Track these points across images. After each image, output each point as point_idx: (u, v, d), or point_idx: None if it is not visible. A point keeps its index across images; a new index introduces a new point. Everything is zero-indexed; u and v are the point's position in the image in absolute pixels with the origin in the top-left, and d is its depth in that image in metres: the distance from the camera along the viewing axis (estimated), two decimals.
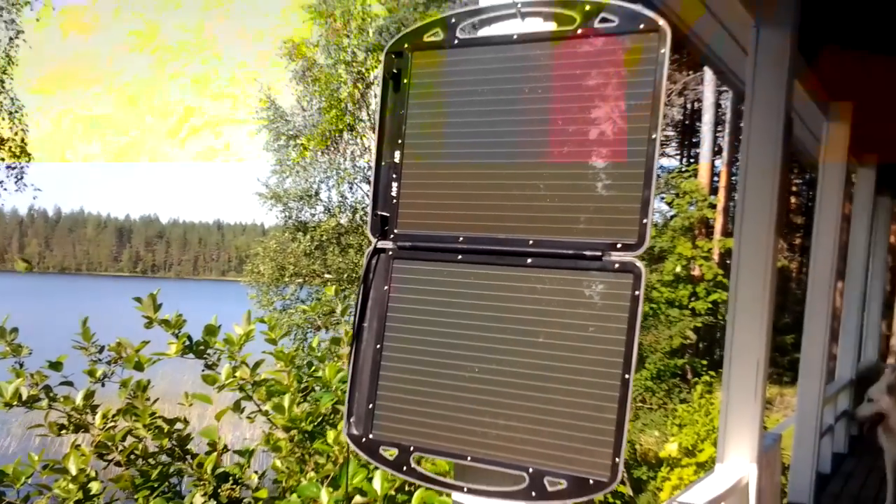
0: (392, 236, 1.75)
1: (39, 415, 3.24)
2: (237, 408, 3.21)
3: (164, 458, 3.19)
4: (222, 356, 3.26)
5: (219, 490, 2.91)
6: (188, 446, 3.24)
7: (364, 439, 1.69)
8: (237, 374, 3.15)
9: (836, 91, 5.39)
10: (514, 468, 1.51)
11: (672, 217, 22.46)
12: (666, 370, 20.44)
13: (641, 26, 1.51)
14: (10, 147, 24.95)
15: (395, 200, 1.76)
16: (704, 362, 23.09)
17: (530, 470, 1.48)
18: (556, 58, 1.60)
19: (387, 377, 1.69)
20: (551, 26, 1.62)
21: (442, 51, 1.74)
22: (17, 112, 24.89)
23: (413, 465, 1.62)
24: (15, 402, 3.14)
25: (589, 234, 1.51)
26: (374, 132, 21.83)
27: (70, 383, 3.29)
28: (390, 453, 1.65)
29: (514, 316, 1.56)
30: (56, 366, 3.27)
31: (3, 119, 24.47)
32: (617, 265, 1.47)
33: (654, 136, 1.47)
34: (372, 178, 1.81)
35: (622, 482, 12.84)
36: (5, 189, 25.94)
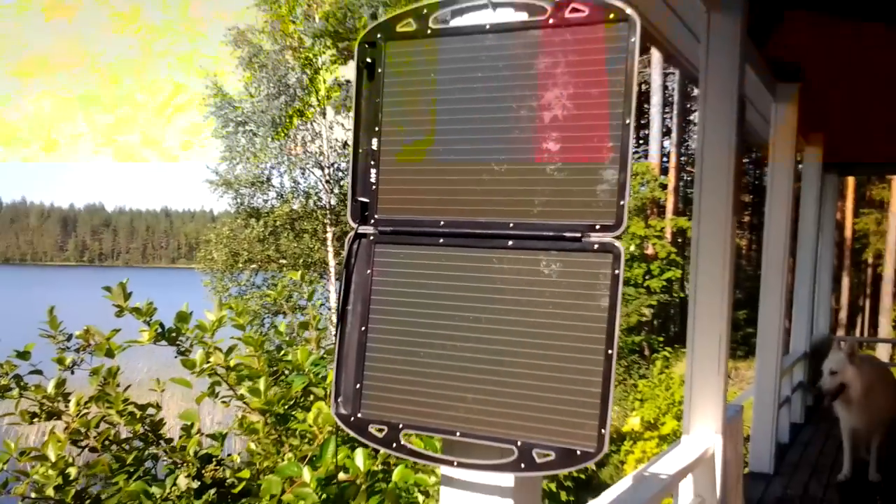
0: (373, 221, 1.78)
1: (9, 404, 3.22)
2: (212, 392, 3.24)
3: (137, 443, 3.21)
4: (195, 343, 3.28)
5: (202, 471, 2.94)
6: (160, 431, 3.26)
7: (353, 418, 1.73)
8: (211, 359, 3.17)
9: (783, 73, 5.56)
10: (504, 442, 1.55)
11: None
12: (624, 347, 20.82)
13: (611, 16, 1.56)
14: None
15: (374, 186, 1.80)
16: (661, 339, 23.61)
17: (519, 443, 1.53)
18: (529, 47, 1.64)
19: (373, 358, 1.73)
20: (523, 16, 1.66)
21: (415, 40, 1.77)
22: None
23: (402, 441, 1.66)
24: None
25: (568, 217, 1.56)
26: (323, 118, 21.69)
27: (39, 371, 3.28)
28: (379, 430, 1.69)
29: (498, 296, 1.60)
30: (24, 355, 3.25)
31: None
32: (596, 245, 1.52)
33: (627, 122, 1.54)
34: (350, 166, 1.84)
35: None
36: None
